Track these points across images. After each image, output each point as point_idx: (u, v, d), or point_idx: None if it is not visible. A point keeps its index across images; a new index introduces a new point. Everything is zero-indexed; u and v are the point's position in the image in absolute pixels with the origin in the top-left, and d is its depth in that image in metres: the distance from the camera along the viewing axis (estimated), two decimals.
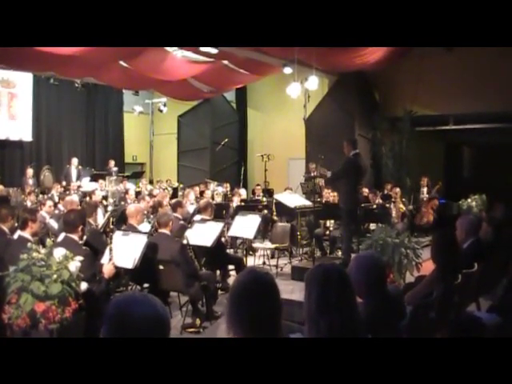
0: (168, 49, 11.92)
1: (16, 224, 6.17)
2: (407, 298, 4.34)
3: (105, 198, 11.72)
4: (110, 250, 5.36)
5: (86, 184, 13.65)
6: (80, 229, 5.21)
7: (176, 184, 15.10)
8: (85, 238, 5.71)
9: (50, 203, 9.43)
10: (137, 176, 16.60)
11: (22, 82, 15.45)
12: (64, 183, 13.61)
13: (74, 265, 4.37)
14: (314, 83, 12.51)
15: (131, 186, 13.69)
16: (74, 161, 14.95)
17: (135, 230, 6.34)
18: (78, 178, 14.42)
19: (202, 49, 10.61)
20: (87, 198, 10.63)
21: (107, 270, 5.19)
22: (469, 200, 12.02)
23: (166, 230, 6.55)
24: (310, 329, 2.52)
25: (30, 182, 13.68)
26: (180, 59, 12.55)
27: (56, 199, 11.08)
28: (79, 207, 7.69)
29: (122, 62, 12.19)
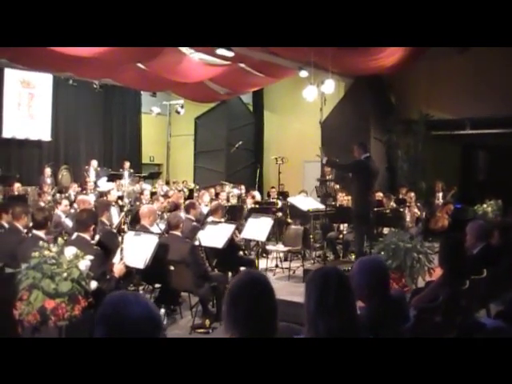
0: (185, 51, 12.02)
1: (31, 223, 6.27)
2: (414, 302, 4.35)
3: (120, 198, 11.83)
4: (121, 249, 5.44)
5: (103, 184, 13.80)
6: (92, 228, 5.29)
7: (192, 185, 15.16)
8: (98, 237, 5.80)
9: (65, 202, 9.55)
10: (153, 177, 16.73)
11: (42, 82, 15.67)
12: (90, 184, 13.65)
13: (84, 263, 4.44)
14: (331, 86, 12.50)
15: (147, 187, 13.80)
16: (94, 163, 15.11)
17: (147, 231, 6.41)
18: (97, 179, 14.56)
19: (219, 51, 10.67)
20: (104, 198, 10.76)
21: (118, 269, 5.28)
22: (484, 205, 11.91)
23: (177, 232, 6.62)
24: (309, 330, 2.55)
25: (48, 181, 13.85)
26: (197, 61, 12.65)
27: (73, 198, 11.21)
28: (91, 206, 7.79)
29: (139, 64, 12.31)
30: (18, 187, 12.06)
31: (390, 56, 11.66)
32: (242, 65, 12.96)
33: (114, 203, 10.27)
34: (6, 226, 6.60)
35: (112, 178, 14.15)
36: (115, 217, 9.15)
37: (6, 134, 15.01)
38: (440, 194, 12.91)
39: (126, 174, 14.41)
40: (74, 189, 12.67)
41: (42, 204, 10.23)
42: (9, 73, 14.70)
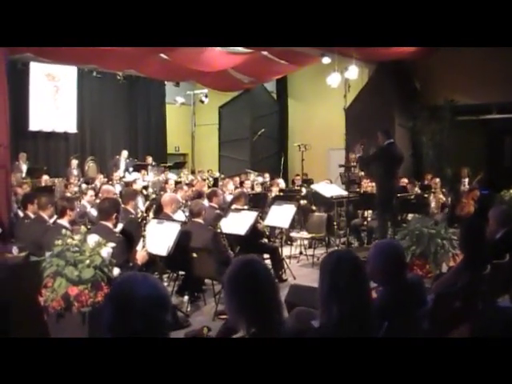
0: None
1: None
2: (434, 286, 4.33)
3: (145, 187, 11.95)
4: (144, 237, 5.52)
5: (129, 174, 13.96)
6: (114, 216, 5.37)
7: (217, 174, 15.22)
8: (121, 225, 5.88)
9: (91, 193, 9.66)
10: (178, 166, 16.79)
11: (67, 75, 15.82)
12: (116, 174, 13.73)
13: (106, 251, 4.52)
14: (354, 73, 12.47)
15: (172, 176, 13.90)
16: (124, 153, 15.29)
17: (169, 219, 6.48)
18: (126, 170, 14.73)
19: None
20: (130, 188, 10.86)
21: (140, 256, 5.36)
22: (511, 191, 11.71)
23: (199, 219, 6.68)
24: (322, 314, 2.58)
25: (75, 172, 14.04)
26: (219, 50, 12.64)
27: (98, 189, 11.31)
28: (116, 196, 7.88)
29: (162, 54, 12.37)
30: (45, 179, 12.25)
31: None
32: (265, 53, 12.93)
33: (139, 193, 10.36)
34: (32, 216, 6.76)
35: (138, 168, 14.30)
36: (140, 206, 9.24)
37: (33, 127, 15.21)
38: (466, 180, 12.74)
39: (149, 168, 14.54)
40: (99, 180, 12.84)
41: (69, 195, 10.37)
42: (34, 66, 14.86)
